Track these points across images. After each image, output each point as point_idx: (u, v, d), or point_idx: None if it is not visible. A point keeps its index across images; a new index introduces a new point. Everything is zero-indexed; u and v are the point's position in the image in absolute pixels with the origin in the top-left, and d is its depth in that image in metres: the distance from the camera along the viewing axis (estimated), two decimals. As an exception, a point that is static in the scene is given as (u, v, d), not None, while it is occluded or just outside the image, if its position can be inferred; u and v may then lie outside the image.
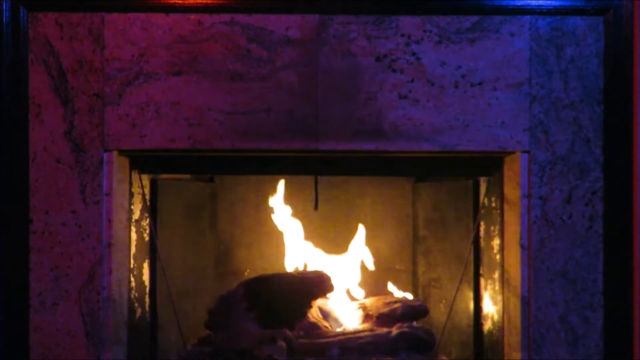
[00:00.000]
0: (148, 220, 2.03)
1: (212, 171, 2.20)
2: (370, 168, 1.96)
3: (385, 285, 2.24)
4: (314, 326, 1.98)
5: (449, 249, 2.21)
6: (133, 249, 1.96)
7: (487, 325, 2.03)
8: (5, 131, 1.80)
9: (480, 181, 2.08)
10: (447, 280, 2.21)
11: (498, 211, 1.95)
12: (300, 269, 2.19)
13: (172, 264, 2.09)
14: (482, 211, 2.04)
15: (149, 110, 1.81)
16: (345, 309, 2.12)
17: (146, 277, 2.03)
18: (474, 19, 1.80)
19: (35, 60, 1.80)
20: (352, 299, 2.18)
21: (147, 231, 2.03)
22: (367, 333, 1.94)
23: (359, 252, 2.23)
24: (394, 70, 1.81)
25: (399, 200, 2.38)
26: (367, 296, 2.20)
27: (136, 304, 1.98)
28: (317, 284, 2.03)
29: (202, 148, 1.81)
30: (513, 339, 1.87)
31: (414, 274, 2.35)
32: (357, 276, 2.22)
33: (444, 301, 2.20)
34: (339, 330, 2.03)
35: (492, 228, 2.00)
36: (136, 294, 1.98)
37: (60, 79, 1.81)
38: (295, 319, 1.97)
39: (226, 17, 1.80)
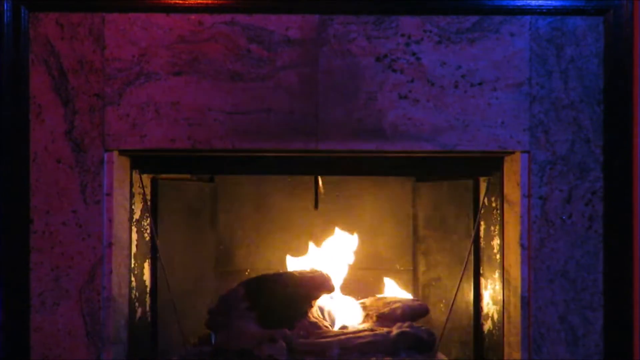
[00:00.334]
0: (148, 220, 2.03)
1: (212, 171, 2.20)
2: (370, 168, 1.96)
3: (385, 286, 2.24)
4: (314, 326, 1.98)
5: (449, 249, 2.21)
6: (133, 249, 1.96)
7: (487, 325, 2.03)
8: (5, 131, 1.80)
9: (480, 181, 2.08)
10: (447, 280, 2.21)
11: (498, 211, 1.95)
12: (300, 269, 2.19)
13: (172, 264, 2.09)
14: (482, 211, 2.04)
15: (149, 110, 1.81)
16: (345, 309, 2.12)
17: (147, 276, 2.03)
18: (474, 19, 1.80)
19: (36, 60, 1.81)
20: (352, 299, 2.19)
21: (148, 231, 2.03)
22: (367, 333, 1.94)
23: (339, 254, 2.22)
24: (394, 70, 1.81)
25: (399, 200, 2.38)
26: (367, 296, 2.20)
27: (136, 304, 1.98)
28: (317, 284, 2.02)
29: (202, 148, 1.82)
30: (513, 339, 1.87)
31: (414, 274, 2.35)
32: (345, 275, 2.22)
33: (444, 301, 2.20)
34: (339, 330, 2.03)
35: (492, 228, 2.00)
36: (137, 294, 1.98)
37: (61, 79, 1.81)
38: (295, 319, 1.97)
39: (226, 17, 1.80)
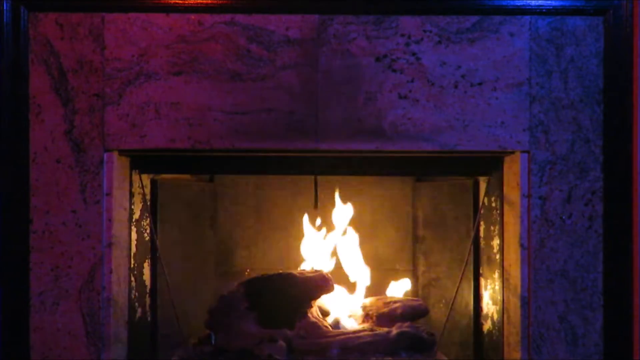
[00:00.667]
0: (148, 220, 2.03)
1: (212, 171, 2.20)
2: (370, 168, 1.96)
3: (385, 285, 2.24)
4: (314, 326, 1.98)
5: (449, 249, 2.21)
6: (133, 249, 1.96)
7: (487, 325, 2.03)
8: (5, 131, 1.80)
9: (480, 181, 2.08)
10: (447, 280, 2.21)
11: (498, 211, 1.95)
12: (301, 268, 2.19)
13: (172, 264, 2.09)
14: (482, 211, 2.04)
15: (149, 110, 1.81)
16: (345, 309, 2.12)
17: (146, 276, 2.03)
18: (474, 19, 1.81)
19: (36, 60, 1.81)
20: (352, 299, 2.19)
21: (148, 231, 2.03)
22: (367, 333, 1.94)
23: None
24: (394, 70, 1.81)
25: (399, 200, 2.38)
26: (367, 296, 2.20)
27: (136, 304, 1.98)
28: (317, 284, 2.02)
29: (202, 148, 1.82)
30: (513, 339, 1.87)
31: (414, 274, 2.35)
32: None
33: (444, 301, 2.20)
34: (339, 330, 2.03)
35: (492, 228, 2.00)
36: (136, 294, 1.98)
37: (61, 79, 1.81)
38: (295, 319, 1.97)
39: (226, 17, 1.80)
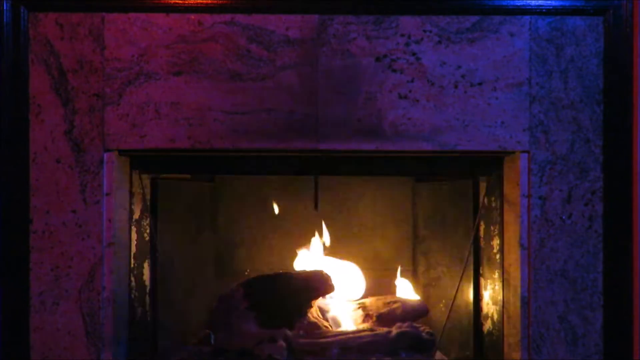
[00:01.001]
0: (148, 220, 2.03)
1: (212, 171, 2.20)
2: (370, 168, 1.96)
3: (385, 285, 2.24)
4: (314, 326, 1.98)
5: (449, 249, 2.21)
6: (133, 249, 1.96)
7: (487, 325, 2.03)
8: (5, 131, 1.80)
9: (480, 181, 2.08)
10: (447, 280, 2.21)
11: (498, 211, 1.95)
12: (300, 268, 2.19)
13: (172, 264, 2.09)
14: (482, 211, 2.04)
15: (149, 110, 1.81)
16: (345, 309, 2.12)
17: (146, 277, 2.03)
18: (474, 19, 1.81)
19: (36, 60, 1.81)
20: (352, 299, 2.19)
21: (148, 231, 2.03)
22: (367, 333, 1.94)
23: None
24: (393, 70, 1.81)
25: (399, 200, 2.38)
26: (367, 296, 2.20)
27: (136, 304, 1.98)
28: (317, 284, 2.03)
29: (202, 148, 1.82)
30: (513, 339, 1.87)
31: (414, 274, 2.35)
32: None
33: (444, 301, 2.20)
34: (339, 330, 2.03)
35: (492, 228, 2.00)
36: (136, 294, 1.98)
37: (61, 79, 1.81)
38: (295, 319, 1.97)
39: (226, 17, 1.80)
